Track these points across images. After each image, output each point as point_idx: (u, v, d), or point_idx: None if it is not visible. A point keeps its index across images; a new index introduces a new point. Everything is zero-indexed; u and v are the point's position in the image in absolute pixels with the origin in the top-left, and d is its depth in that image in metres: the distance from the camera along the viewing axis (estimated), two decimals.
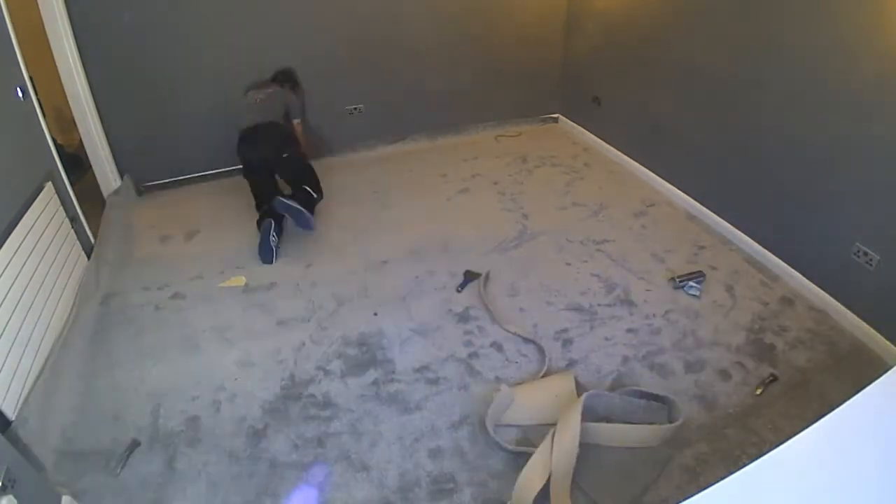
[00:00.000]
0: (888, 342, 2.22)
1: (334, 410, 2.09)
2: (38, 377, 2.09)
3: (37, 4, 2.87)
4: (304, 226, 3.00)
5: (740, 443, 1.91)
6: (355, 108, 3.96)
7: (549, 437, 1.82)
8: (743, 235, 2.93)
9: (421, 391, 2.15)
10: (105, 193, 3.52)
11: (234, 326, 2.51)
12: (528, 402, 2.05)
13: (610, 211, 3.33)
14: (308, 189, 3.09)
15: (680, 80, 3.18)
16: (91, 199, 3.40)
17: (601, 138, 4.08)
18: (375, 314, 2.55)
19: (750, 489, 1.05)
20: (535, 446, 1.85)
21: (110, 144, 3.42)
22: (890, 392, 1.25)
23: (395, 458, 1.90)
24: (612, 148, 3.96)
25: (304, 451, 1.94)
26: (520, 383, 2.16)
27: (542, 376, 2.18)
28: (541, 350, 2.30)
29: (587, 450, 1.83)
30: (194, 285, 2.78)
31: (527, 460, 1.78)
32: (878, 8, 2.05)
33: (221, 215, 3.40)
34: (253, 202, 3.20)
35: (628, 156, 3.80)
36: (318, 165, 3.40)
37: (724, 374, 2.19)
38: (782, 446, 1.12)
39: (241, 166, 3.27)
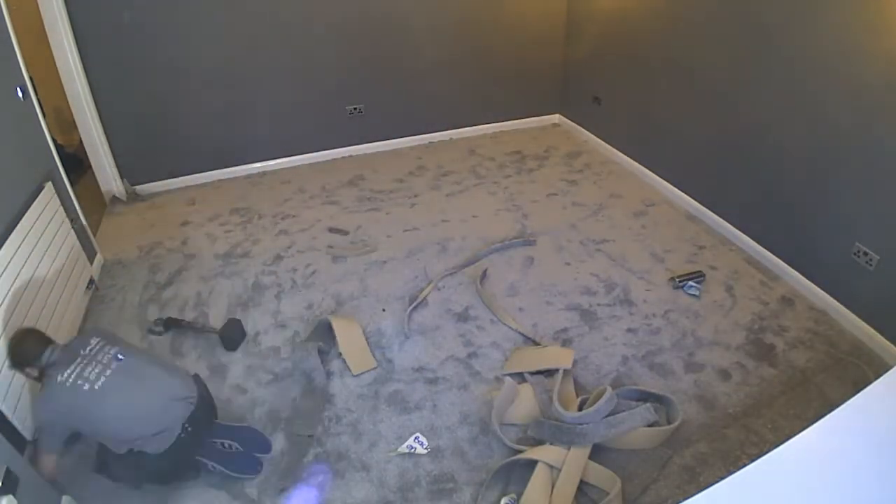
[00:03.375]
0: (888, 342, 2.22)
1: (334, 410, 2.09)
2: None
3: (37, 4, 2.87)
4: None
5: (740, 443, 1.91)
6: (356, 109, 3.96)
7: (556, 450, 1.83)
8: (743, 235, 2.93)
9: (420, 391, 2.15)
10: (105, 193, 3.52)
11: None
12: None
13: (609, 211, 3.33)
14: None
15: (680, 80, 3.18)
16: (91, 199, 3.40)
17: (601, 138, 4.08)
18: (384, 310, 2.56)
19: (750, 489, 1.05)
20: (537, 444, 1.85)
21: (110, 144, 3.42)
22: (890, 392, 1.25)
23: (395, 457, 1.91)
24: (611, 148, 3.96)
25: (305, 451, 1.94)
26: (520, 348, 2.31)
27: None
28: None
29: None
30: (195, 285, 2.78)
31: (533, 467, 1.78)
32: (879, 9, 2.05)
33: (222, 215, 3.40)
34: None
35: (628, 156, 3.80)
36: (320, 165, 3.33)
37: (724, 374, 2.19)
38: (782, 446, 1.12)
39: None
